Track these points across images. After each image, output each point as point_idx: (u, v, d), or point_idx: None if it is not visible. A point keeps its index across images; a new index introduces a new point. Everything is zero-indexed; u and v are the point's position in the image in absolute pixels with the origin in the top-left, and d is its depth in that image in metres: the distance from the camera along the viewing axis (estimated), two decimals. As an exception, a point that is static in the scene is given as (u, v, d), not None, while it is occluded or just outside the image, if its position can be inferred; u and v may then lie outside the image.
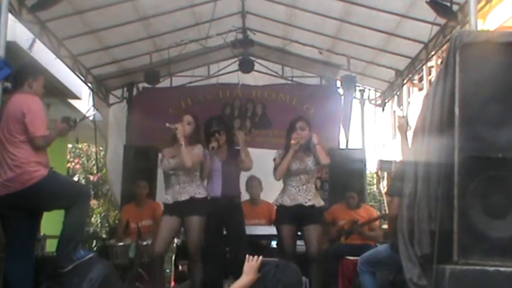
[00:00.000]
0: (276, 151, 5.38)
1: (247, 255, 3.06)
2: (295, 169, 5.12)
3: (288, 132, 5.23)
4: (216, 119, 5.92)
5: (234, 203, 5.50)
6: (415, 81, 14.10)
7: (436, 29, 5.85)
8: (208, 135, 5.48)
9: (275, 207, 5.35)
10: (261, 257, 3.02)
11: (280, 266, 2.86)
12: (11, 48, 5.15)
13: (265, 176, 6.49)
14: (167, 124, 5.16)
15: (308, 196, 5.12)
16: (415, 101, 15.21)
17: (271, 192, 6.09)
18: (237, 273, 3.10)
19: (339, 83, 8.19)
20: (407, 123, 4.59)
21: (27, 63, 5.16)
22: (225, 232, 5.55)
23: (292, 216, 5.10)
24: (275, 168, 5.19)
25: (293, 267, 2.94)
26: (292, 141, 5.07)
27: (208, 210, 5.18)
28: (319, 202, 5.20)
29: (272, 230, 6.09)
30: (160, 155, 5.37)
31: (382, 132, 17.72)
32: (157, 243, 5.16)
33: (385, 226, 6.81)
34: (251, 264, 3.00)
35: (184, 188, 5.15)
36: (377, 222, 6.62)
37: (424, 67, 10.47)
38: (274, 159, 5.27)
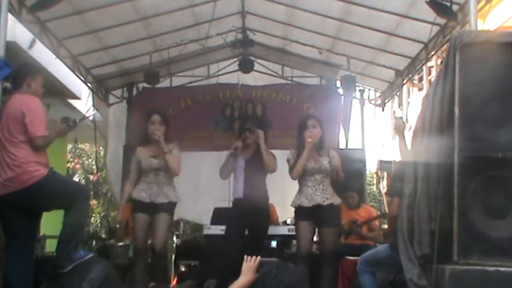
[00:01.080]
0: (288, 151, 5.29)
1: (245, 256, 3.05)
2: (310, 169, 5.05)
3: (300, 131, 5.16)
4: (253, 118, 5.86)
5: (259, 205, 5.30)
6: (415, 81, 14.10)
7: (436, 29, 5.85)
8: (241, 132, 5.44)
9: (294, 208, 5.25)
10: (259, 257, 3.00)
11: (281, 266, 2.85)
12: (11, 48, 5.15)
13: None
14: (156, 137, 5.06)
15: (326, 195, 5.05)
16: (415, 101, 15.20)
17: (271, 192, 6.09)
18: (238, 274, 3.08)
19: (338, 83, 8.20)
20: (403, 123, 4.59)
21: (25, 63, 5.14)
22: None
23: (310, 215, 5.02)
24: (291, 168, 5.11)
25: (292, 267, 2.93)
26: (308, 140, 5.00)
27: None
28: (337, 200, 5.13)
29: (272, 230, 6.10)
30: (135, 155, 5.22)
31: (382, 132, 17.71)
32: (138, 240, 5.07)
33: (385, 226, 6.81)
34: (249, 264, 2.98)
35: (162, 190, 5.11)
36: (377, 222, 6.62)
37: (424, 67, 10.47)
38: (287, 160, 5.20)
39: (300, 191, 5.16)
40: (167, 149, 5.05)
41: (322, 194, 5.05)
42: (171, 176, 5.18)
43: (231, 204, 5.62)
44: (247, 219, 5.23)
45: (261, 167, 5.33)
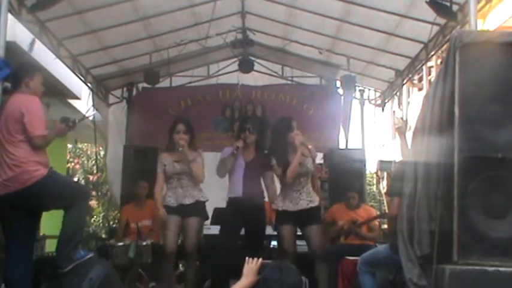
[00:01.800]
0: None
1: (246, 257, 3.04)
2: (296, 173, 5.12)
3: (283, 131, 5.19)
4: (253, 118, 5.91)
5: (257, 205, 5.38)
6: (415, 81, 14.09)
7: (436, 29, 5.85)
8: (240, 132, 5.45)
9: (275, 210, 5.30)
10: (260, 259, 2.99)
11: (283, 267, 2.85)
12: (11, 48, 5.14)
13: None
14: (179, 149, 5.16)
15: (309, 198, 5.17)
16: (415, 101, 15.19)
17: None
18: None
19: (338, 83, 8.19)
20: (405, 123, 4.60)
21: (24, 63, 5.12)
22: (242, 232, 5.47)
23: (293, 218, 5.15)
24: (283, 172, 5.10)
25: (294, 268, 2.92)
26: (310, 146, 5.10)
27: (206, 214, 5.34)
28: (317, 200, 5.23)
29: (271, 230, 6.09)
30: (160, 159, 5.38)
31: (382, 132, 17.70)
32: (168, 243, 5.20)
33: (384, 226, 6.80)
34: (251, 266, 2.97)
35: (188, 191, 5.24)
36: (376, 222, 6.61)
37: (423, 67, 10.47)
38: (273, 165, 5.19)
39: (284, 194, 5.21)
40: (191, 158, 5.18)
41: (306, 198, 5.16)
42: (194, 178, 5.28)
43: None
44: (245, 219, 5.28)
45: (260, 168, 5.37)
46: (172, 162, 5.26)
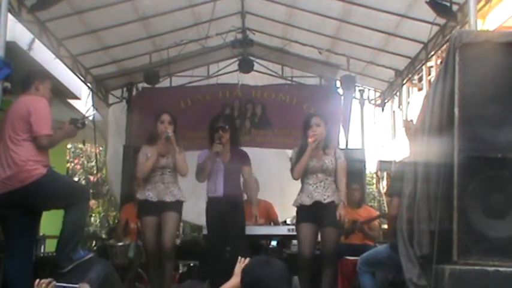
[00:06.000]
0: (291, 150, 5.30)
1: (239, 257, 3.03)
2: (311, 167, 5.01)
3: (304, 129, 5.10)
4: (224, 116, 5.87)
5: (237, 203, 5.34)
6: (415, 81, 14.11)
7: (435, 29, 5.85)
8: (212, 132, 5.34)
9: (292, 208, 5.22)
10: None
11: (271, 263, 2.81)
12: (11, 48, 5.15)
13: (264, 175, 6.48)
14: (168, 134, 5.08)
15: (327, 193, 4.98)
16: (414, 101, 15.22)
17: (269, 191, 6.06)
18: None
19: (338, 83, 8.18)
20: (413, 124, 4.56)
21: (37, 69, 5.22)
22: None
23: (311, 215, 4.97)
24: (292, 167, 5.08)
25: (281, 263, 2.87)
26: (310, 140, 4.95)
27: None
28: (336, 198, 5.02)
29: (272, 230, 6.09)
30: (143, 150, 5.22)
31: (382, 132, 17.73)
32: (149, 244, 5.08)
33: (385, 226, 6.81)
34: (242, 266, 2.97)
35: (169, 189, 5.13)
36: (376, 223, 6.62)
37: (423, 67, 10.48)
38: (290, 159, 5.19)
39: (301, 190, 5.10)
40: (177, 148, 5.08)
41: (322, 192, 4.98)
42: (176, 175, 5.20)
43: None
44: (226, 218, 5.21)
45: (238, 165, 5.35)
46: (157, 156, 5.11)
